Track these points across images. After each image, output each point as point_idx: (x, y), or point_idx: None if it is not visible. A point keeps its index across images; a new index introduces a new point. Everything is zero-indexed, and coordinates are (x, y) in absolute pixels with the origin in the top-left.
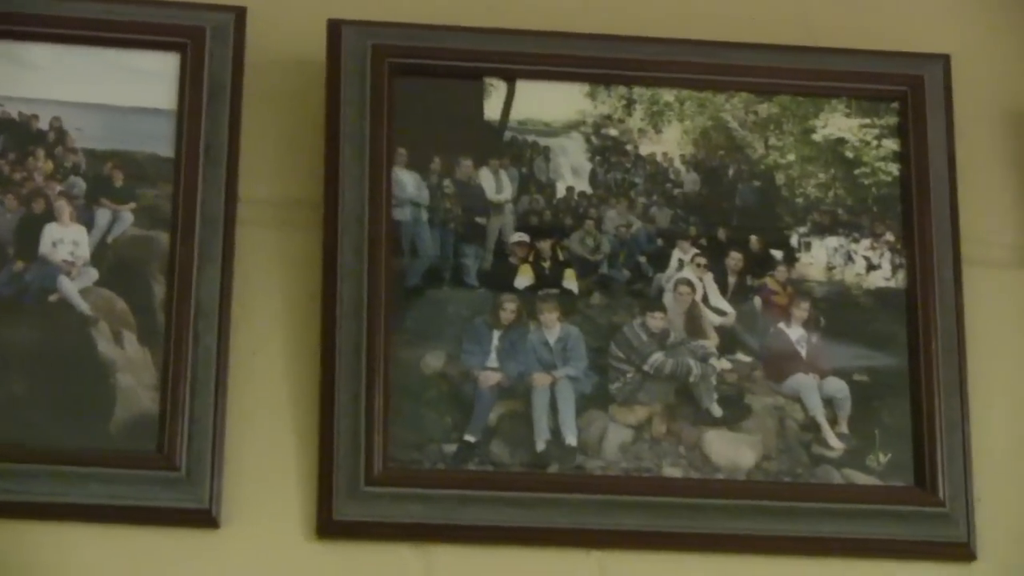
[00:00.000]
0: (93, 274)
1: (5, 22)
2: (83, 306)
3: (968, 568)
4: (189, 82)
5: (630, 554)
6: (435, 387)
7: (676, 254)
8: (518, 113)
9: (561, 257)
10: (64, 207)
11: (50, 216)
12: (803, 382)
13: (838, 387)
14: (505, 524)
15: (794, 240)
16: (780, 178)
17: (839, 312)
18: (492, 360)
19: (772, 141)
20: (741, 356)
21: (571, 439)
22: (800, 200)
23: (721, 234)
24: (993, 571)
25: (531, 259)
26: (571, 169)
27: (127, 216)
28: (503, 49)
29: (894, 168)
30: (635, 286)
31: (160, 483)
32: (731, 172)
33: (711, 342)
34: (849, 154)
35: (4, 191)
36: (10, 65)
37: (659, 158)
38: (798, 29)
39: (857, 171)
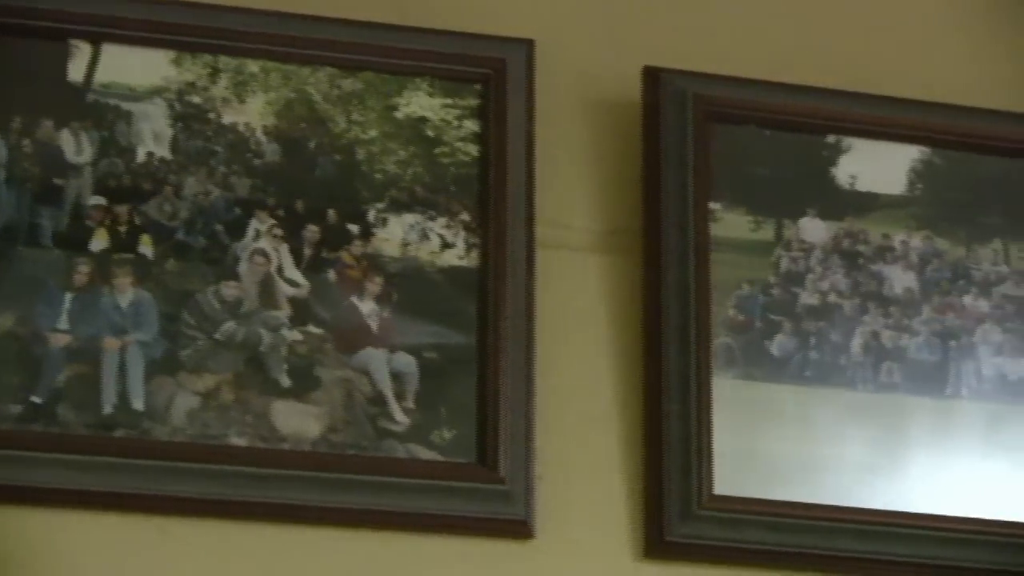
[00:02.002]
0: None
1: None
2: None
3: (526, 545)
4: None
5: (192, 521)
6: (3, 348)
7: (253, 224)
8: (103, 76)
9: (138, 222)
10: None
11: None
12: (372, 356)
13: (407, 362)
14: (69, 487)
15: (371, 215)
16: (361, 153)
17: (412, 288)
18: (63, 322)
19: (355, 116)
20: (312, 328)
21: (138, 404)
22: (379, 176)
23: (299, 206)
24: (551, 548)
25: (107, 223)
26: (153, 135)
27: None
28: (89, 12)
29: (473, 149)
30: (211, 254)
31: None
32: (312, 145)
33: (283, 313)
34: (430, 133)
35: None
36: None
37: (241, 128)
38: (390, 7)
39: (437, 150)
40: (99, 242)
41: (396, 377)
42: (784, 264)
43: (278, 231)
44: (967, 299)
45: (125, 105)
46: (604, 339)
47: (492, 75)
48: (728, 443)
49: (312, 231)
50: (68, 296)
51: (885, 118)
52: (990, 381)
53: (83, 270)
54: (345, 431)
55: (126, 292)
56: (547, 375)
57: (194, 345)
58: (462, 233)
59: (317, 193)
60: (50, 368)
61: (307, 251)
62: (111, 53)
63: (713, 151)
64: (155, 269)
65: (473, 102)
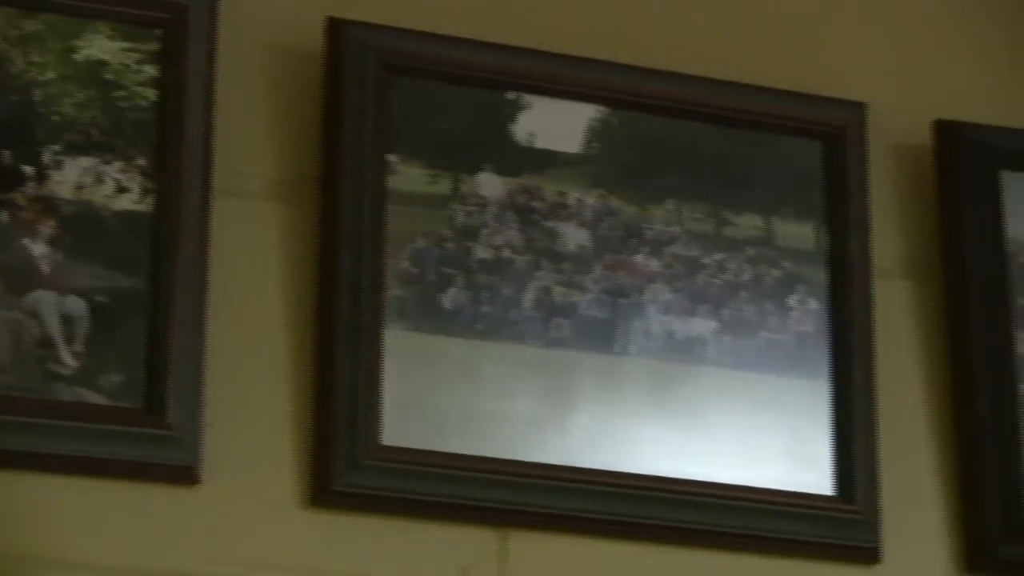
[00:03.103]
0: None
1: None
2: None
3: (193, 491)
4: None
5: None
6: None
7: None
8: None
9: None
10: None
11: None
12: (42, 299)
13: (77, 306)
14: None
15: (46, 157)
16: (38, 95)
17: (85, 232)
18: None
19: (33, 57)
20: None
21: None
22: (56, 118)
23: None
24: (217, 495)
25: None
26: None
27: None
28: None
29: (152, 94)
30: None
31: None
32: None
33: None
34: (109, 77)
35: None
36: None
37: None
38: None
39: (115, 94)
40: None
41: (66, 320)
42: (459, 218)
43: None
44: (639, 258)
45: None
46: (279, 289)
47: (173, 20)
48: (398, 394)
49: None
50: None
51: (564, 76)
52: (658, 339)
53: None
54: (12, 373)
55: None
56: (220, 323)
57: None
58: (138, 178)
59: None
60: None
61: None
62: None
63: (394, 104)
64: None
65: (154, 47)
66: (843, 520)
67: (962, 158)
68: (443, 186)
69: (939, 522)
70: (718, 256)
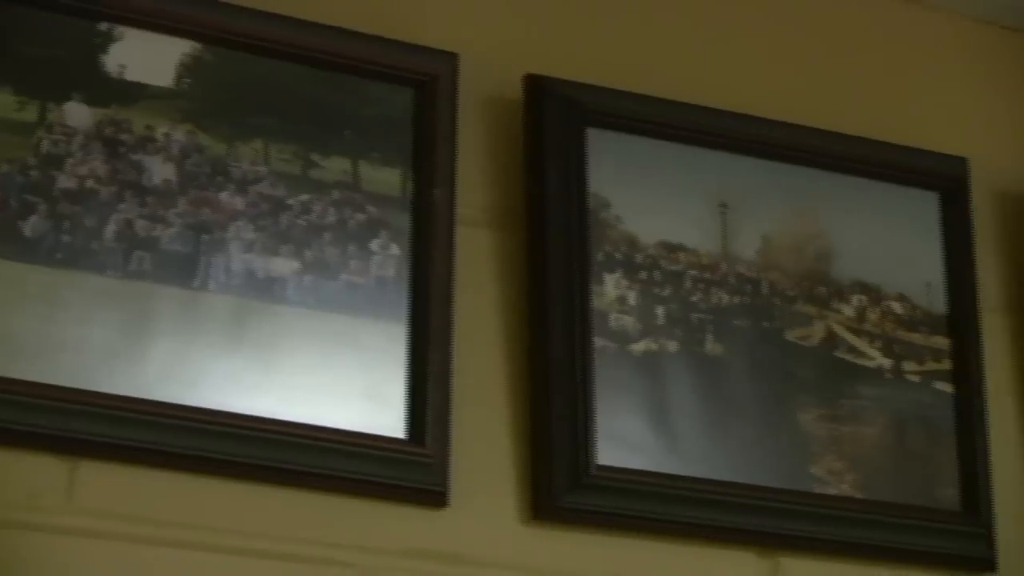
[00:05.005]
0: None
1: None
2: None
3: None
4: None
5: None
6: None
7: None
8: None
9: None
10: None
11: None
12: None
13: None
14: None
15: None
16: None
17: None
18: None
19: None
20: None
21: None
22: None
23: None
24: None
25: None
26: None
27: None
28: None
29: None
30: None
31: None
32: None
33: None
34: None
35: None
36: None
37: None
38: None
39: None
40: None
41: None
42: (45, 147)
43: None
44: (224, 195)
45: None
46: None
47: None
48: None
49: None
50: None
51: (156, 9)
52: (239, 276)
53: None
54: None
55: None
56: None
57: None
58: None
59: None
60: None
61: None
62: None
63: None
64: None
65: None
66: (412, 463)
67: (549, 113)
68: (30, 113)
69: (509, 469)
70: (303, 197)
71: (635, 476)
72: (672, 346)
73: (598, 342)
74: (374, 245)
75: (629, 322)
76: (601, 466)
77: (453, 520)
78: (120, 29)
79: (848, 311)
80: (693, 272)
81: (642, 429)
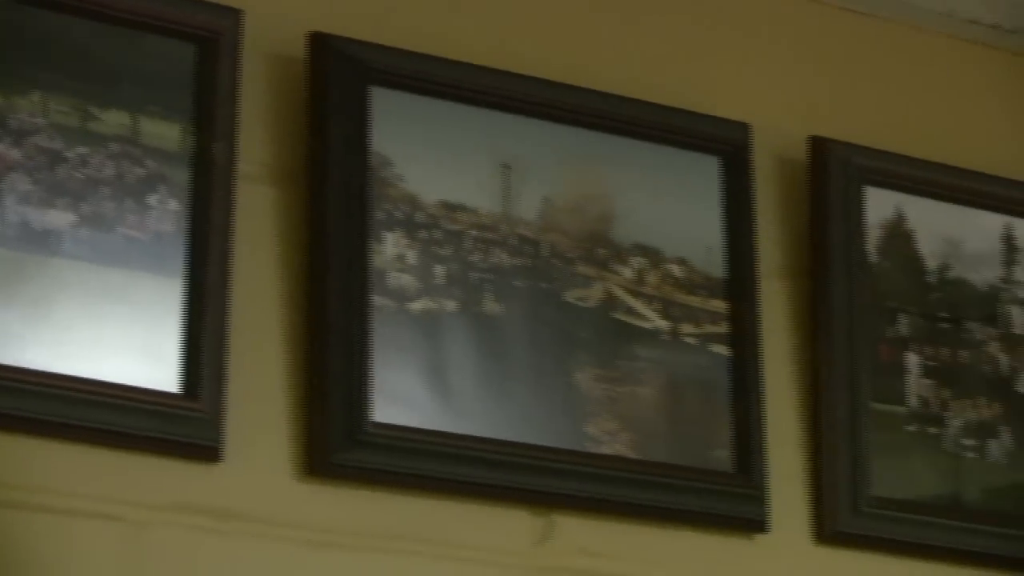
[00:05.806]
0: None
1: None
2: None
3: None
4: None
5: None
6: None
7: None
8: None
9: None
10: None
11: None
12: None
13: None
14: None
15: None
16: None
17: None
18: None
19: None
20: None
21: None
22: None
23: None
24: None
25: None
26: None
27: None
28: None
29: None
30: None
31: None
32: None
33: None
34: None
35: None
36: None
37: None
38: None
39: None
40: None
41: None
42: None
43: None
44: (0, 147)
45: None
46: None
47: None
48: None
49: None
50: None
51: None
52: (13, 228)
53: None
54: None
55: None
56: None
57: None
58: None
59: None
60: None
61: None
62: None
63: None
64: None
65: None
66: (186, 417)
67: (332, 71)
68: None
69: (284, 426)
70: (81, 150)
71: (410, 433)
72: (451, 305)
73: (376, 300)
74: (152, 200)
75: (408, 281)
76: (376, 423)
77: (226, 475)
78: None
79: (628, 273)
80: (473, 232)
81: (419, 387)
